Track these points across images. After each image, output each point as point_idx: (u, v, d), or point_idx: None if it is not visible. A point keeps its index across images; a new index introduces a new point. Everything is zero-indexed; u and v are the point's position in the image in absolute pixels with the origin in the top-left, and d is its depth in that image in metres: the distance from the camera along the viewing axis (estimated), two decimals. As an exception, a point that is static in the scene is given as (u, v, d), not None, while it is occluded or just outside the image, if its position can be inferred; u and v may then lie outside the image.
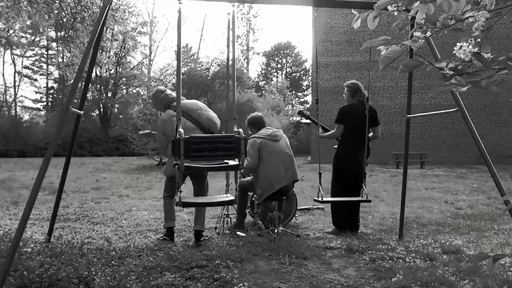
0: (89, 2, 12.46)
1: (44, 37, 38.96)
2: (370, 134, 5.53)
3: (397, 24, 2.08)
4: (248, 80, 29.35)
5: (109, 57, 36.01)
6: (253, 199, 5.58)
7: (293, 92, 51.07)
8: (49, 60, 42.20)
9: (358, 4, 4.05)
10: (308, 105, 47.64)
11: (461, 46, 1.57)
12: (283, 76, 53.87)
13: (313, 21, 23.25)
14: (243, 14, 50.84)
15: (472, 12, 1.64)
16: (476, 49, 1.59)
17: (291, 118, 36.96)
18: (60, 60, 38.60)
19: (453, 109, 4.02)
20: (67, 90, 40.73)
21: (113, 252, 4.19)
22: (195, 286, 3.34)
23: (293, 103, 49.16)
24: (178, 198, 3.37)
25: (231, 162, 3.59)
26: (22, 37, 38.28)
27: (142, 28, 40.59)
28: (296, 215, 6.05)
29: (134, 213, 6.97)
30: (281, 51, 54.35)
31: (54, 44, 39.96)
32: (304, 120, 36.40)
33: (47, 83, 43.83)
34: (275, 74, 55.25)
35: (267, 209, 5.44)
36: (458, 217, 6.48)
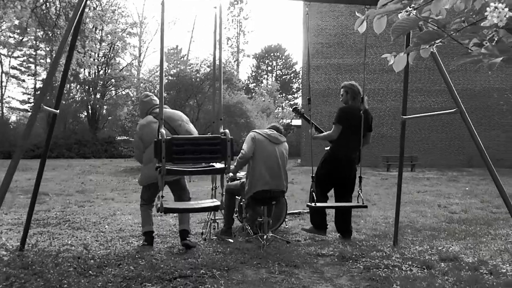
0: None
1: (32, 37, 38.36)
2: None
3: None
4: (238, 82, 29.12)
5: (94, 58, 35.49)
6: (241, 203, 5.34)
7: (283, 95, 50.92)
8: (37, 61, 41.58)
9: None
10: (298, 108, 47.47)
11: (496, 7, 1.26)
12: (273, 78, 53.70)
13: (304, 16, 23.07)
14: (234, 16, 50.65)
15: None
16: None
17: (281, 121, 36.77)
18: (48, 60, 38.03)
19: (452, 110, 3.81)
20: (55, 91, 40.21)
21: (92, 261, 3.93)
22: (177, 298, 3.10)
23: (283, 106, 49.00)
24: (160, 204, 3.12)
25: (217, 165, 3.35)
26: (10, 37, 37.66)
27: (132, 29, 40.15)
28: (286, 219, 5.83)
29: (118, 217, 6.70)
30: (272, 54, 54.22)
31: (42, 45, 39.37)
32: (294, 123, 36.26)
33: (35, 84, 43.15)
34: (265, 76, 55.10)
35: (256, 213, 5.21)
36: (452, 222, 6.30)
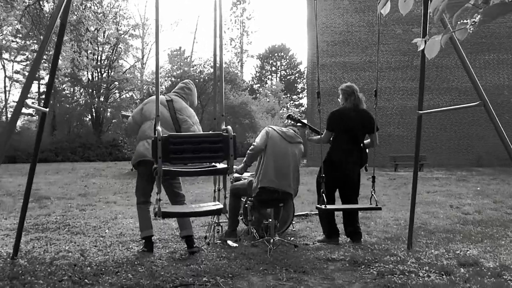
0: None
1: (34, 41, 38.27)
2: (368, 140, 5.11)
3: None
4: (242, 82, 28.92)
5: (92, 59, 35.39)
6: (246, 205, 5.10)
7: (288, 95, 50.67)
8: (40, 65, 41.56)
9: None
10: (303, 108, 47.25)
11: None
12: (278, 79, 53.45)
13: (309, 14, 22.82)
14: (237, 16, 50.46)
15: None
16: None
17: (286, 121, 36.51)
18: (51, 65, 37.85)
19: (475, 103, 3.54)
20: (59, 95, 40.16)
21: (88, 268, 3.71)
22: (178, 309, 2.87)
23: (288, 106, 48.75)
24: (157, 208, 2.88)
25: (219, 165, 3.09)
26: (12, 41, 37.60)
27: (134, 30, 39.99)
28: (293, 222, 5.58)
29: (119, 221, 6.48)
30: (276, 54, 53.97)
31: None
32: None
33: (38, 88, 43.11)
34: (270, 77, 54.85)
35: (262, 216, 4.97)
36: (467, 223, 6.03)
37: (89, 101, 37.90)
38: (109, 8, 33.03)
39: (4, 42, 34.06)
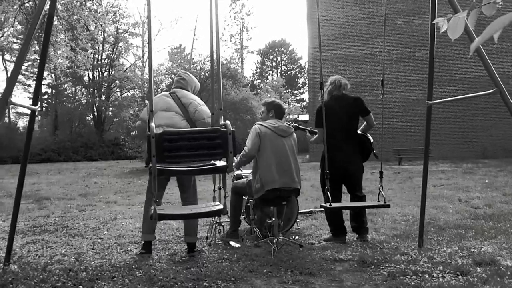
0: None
1: (35, 42, 38.07)
2: (364, 125, 4.99)
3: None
4: (243, 78, 28.69)
5: (88, 57, 35.19)
6: (248, 204, 4.90)
7: (289, 90, 50.38)
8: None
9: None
10: (304, 103, 46.99)
11: None
12: (279, 74, 53.18)
13: (309, 9, 22.57)
14: (236, 13, 50.14)
15: None
16: None
17: (287, 116, 36.27)
18: (52, 65, 37.81)
19: (491, 91, 3.33)
20: (60, 95, 40.01)
21: (83, 273, 3.52)
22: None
23: (289, 101, 48.52)
24: (153, 210, 2.68)
25: (218, 163, 2.88)
26: (14, 42, 37.43)
27: (134, 29, 39.75)
28: (298, 220, 5.39)
29: (119, 221, 6.30)
30: (276, 49, 53.67)
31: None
32: (302, 118, 35.79)
33: (40, 89, 42.96)
34: (270, 72, 54.57)
35: (265, 215, 4.78)
36: (478, 218, 5.83)
37: (90, 100, 37.77)
38: (108, 7, 32.84)
39: (5, 43, 33.94)
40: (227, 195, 3.10)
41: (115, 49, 38.14)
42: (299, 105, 47.76)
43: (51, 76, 39.46)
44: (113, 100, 39.20)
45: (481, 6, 1.36)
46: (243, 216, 5.12)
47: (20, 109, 42.97)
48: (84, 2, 14.64)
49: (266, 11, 79.93)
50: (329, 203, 3.74)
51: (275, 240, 4.28)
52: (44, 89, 42.85)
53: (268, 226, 4.69)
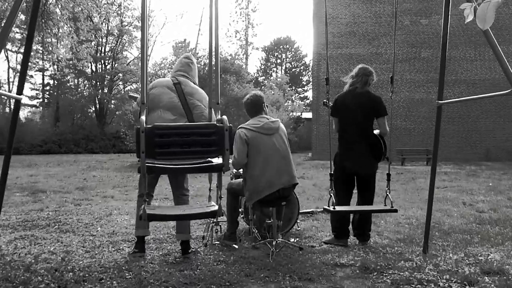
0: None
1: (39, 35, 37.79)
2: (376, 131, 4.68)
3: None
4: (247, 74, 28.46)
5: (91, 48, 35.08)
6: (247, 203, 4.69)
7: (293, 88, 50.10)
8: (44, 56, 41.15)
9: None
10: (308, 101, 46.73)
11: None
12: (283, 71, 52.91)
13: (315, 6, 22.33)
14: (242, 8, 49.87)
15: None
16: None
17: (291, 114, 36.05)
18: (55, 56, 37.62)
19: (507, 91, 3.12)
20: (63, 86, 39.83)
21: (70, 274, 3.35)
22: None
23: (293, 99, 48.29)
24: (143, 210, 2.50)
25: (214, 161, 2.68)
26: (17, 32, 37.23)
27: (138, 22, 39.50)
28: (298, 220, 5.19)
29: (114, 217, 6.13)
30: (281, 46, 53.38)
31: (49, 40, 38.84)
32: (304, 115, 35.56)
33: (43, 79, 42.82)
34: (275, 69, 54.31)
35: (264, 214, 4.59)
36: (483, 223, 5.63)
37: (92, 92, 37.61)
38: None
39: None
40: (222, 196, 2.91)
41: (119, 42, 37.96)
42: (302, 102, 47.52)
43: (54, 68, 39.39)
44: (116, 93, 39.03)
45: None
46: (242, 216, 4.93)
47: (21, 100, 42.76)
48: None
49: (272, 7, 79.57)
50: (332, 206, 3.52)
51: (274, 242, 4.10)
52: (46, 80, 42.74)
53: (267, 227, 4.51)
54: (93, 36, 20.43)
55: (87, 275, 3.35)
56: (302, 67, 53.00)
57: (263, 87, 41.21)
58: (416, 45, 21.74)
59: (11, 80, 40.03)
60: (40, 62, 41.56)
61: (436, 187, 10.04)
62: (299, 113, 36.67)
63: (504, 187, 10.02)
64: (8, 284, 2.98)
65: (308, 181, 11.20)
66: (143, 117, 2.38)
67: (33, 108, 42.51)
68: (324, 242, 4.59)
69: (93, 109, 38.84)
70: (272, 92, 37.27)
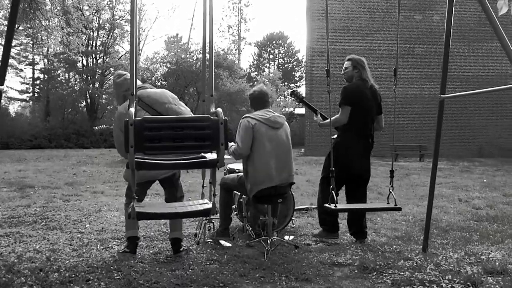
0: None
1: (28, 25, 37.24)
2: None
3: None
4: (240, 70, 28.29)
5: (83, 43, 34.71)
6: (241, 199, 4.55)
7: (286, 83, 49.96)
8: (34, 50, 40.61)
9: None
10: (297, 92, 46.60)
11: None
12: (275, 66, 52.74)
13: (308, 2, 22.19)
14: (234, 3, 49.55)
15: None
16: None
17: (283, 109, 35.92)
18: (45, 49, 37.14)
19: (509, 85, 2.99)
20: (54, 81, 39.32)
21: (55, 274, 3.19)
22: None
23: (285, 94, 48.19)
24: (131, 208, 2.34)
25: (208, 156, 2.52)
26: (6, 26, 36.68)
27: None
28: (293, 218, 5.05)
29: (103, 214, 5.95)
30: (274, 42, 53.18)
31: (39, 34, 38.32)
32: (297, 111, 35.41)
33: (33, 73, 42.25)
34: (267, 65, 54.12)
35: (259, 211, 4.44)
36: (481, 220, 5.54)
37: (83, 87, 37.19)
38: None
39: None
40: (216, 193, 2.75)
41: (110, 36, 37.52)
42: (295, 99, 47.41)
43: (44, 61, 38.89)
44: (107, 88, 38.61)
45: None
46: (235, 213, 4.78)
47: (11, 94, 42.28)
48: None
49: (265, 2, 79.21)
50: (334, 204, 3.36)
51: (269, 241, 3.96)
52: (36, 74, 42.22)
53: (261, 224, 4.37)
54: (83, 27, 20.01)
55: (73, 275, 3.19)
56: (294, 63, 52.86)
57: (255, 82, 41.04)
58: (410, 41, 21.66)
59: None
60: (30, 56, 41.05)
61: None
62: (292, 109, 36.54)
63: (499, 183, 9.97)
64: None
65: (302, 177, 11.07)
66: (132, 109, 2.21)
67: (23, 102, 42.06)
68: (314, 236, 4.46)
69: (84, 103, 38.41)
70: (265, 88, 37.11)
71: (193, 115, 2.30)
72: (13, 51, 40.21)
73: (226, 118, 2.31)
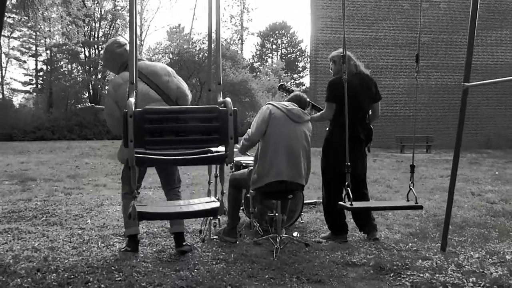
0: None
1: (31, 16, 36.94)
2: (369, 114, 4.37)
3: None
4: (243, 60, 28.03)
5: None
6: (248, 195, 4.32)
7: (289, 74, 49.62)
8: (37, 41, 40.35)
9: None
10: (304, 87, 46.32)
11: None
12: (278, 57, 52.36)
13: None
14: (238, -7, 49.08)
15: None
16: None
17: (281, 94, 35.70)
18: (48, 41, 36.94)
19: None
20: (57, 72, 39.11)
21: (53, 275, 2.99)
22: None
23: (289, 85, 47.91)
24: (132, 208, 2.14)
25: (214, 150, 2.28)
26: (9, 17, 36.38)
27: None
28: (301, 213, 4.83)
29: (105, 208, 5.77)
30: (277, 32, 52.75)
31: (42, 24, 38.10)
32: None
33: (36, 65, 42.04)
34: (270, 55, 53.75)
35: (266, 207, 4.24)
36: (497, 215, 5.32)
37: (86, 78, 37.00)
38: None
39: None
40: (225, 191, 2.54)
41: (112, 27, 37.25)
42: (298, 89, 47.15)
43: (46, 53, 38.66)
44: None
45: None
46: (242, 208, 4.57)
47: (14, 85, 42.11)
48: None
49: (267, -8, 78.52)
50: (350, 202, 3.13)
51: (278, 238, 3.76)
52: (39, 65, 42.01)
53: (269, 220, 4.17)
54: (83, 15, 19.71)
55: (72, 276, 3.00)
56: (298, 53, 52.47)
57: (258, 73, 40.74)
58: (416, 29, 21.29)
59: (3, 65, 39.33)
60: (33, 47, 40.80)
61: (439, 175, 9.83)
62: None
63: (511, 176, 9.74)
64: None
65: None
66: (131, 99, 2.00)
67: (27, 94, 41.91)
68: (321, 238, 4.24)
69: (87, 95, 38.26)
70: (268, 78, 36.82)
71: (197, 106, 2.05)
72: (16, 43, 40.02)
73: (235, 108, 2.08)
